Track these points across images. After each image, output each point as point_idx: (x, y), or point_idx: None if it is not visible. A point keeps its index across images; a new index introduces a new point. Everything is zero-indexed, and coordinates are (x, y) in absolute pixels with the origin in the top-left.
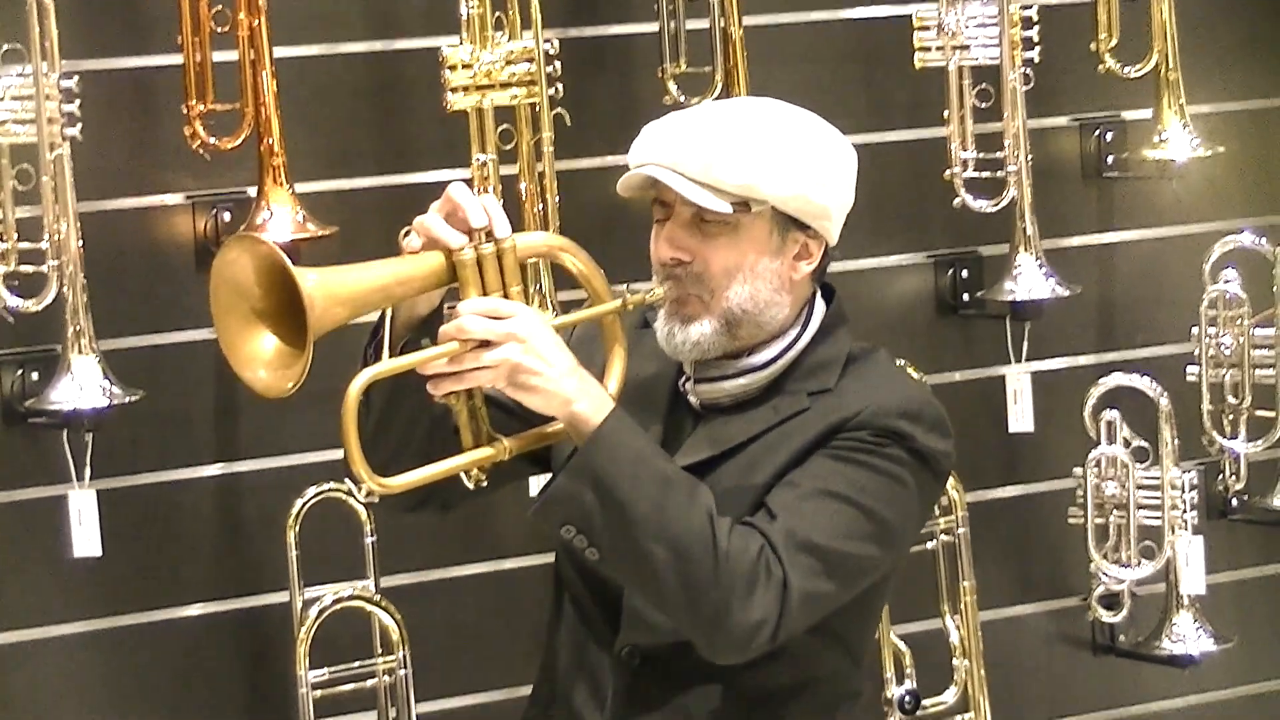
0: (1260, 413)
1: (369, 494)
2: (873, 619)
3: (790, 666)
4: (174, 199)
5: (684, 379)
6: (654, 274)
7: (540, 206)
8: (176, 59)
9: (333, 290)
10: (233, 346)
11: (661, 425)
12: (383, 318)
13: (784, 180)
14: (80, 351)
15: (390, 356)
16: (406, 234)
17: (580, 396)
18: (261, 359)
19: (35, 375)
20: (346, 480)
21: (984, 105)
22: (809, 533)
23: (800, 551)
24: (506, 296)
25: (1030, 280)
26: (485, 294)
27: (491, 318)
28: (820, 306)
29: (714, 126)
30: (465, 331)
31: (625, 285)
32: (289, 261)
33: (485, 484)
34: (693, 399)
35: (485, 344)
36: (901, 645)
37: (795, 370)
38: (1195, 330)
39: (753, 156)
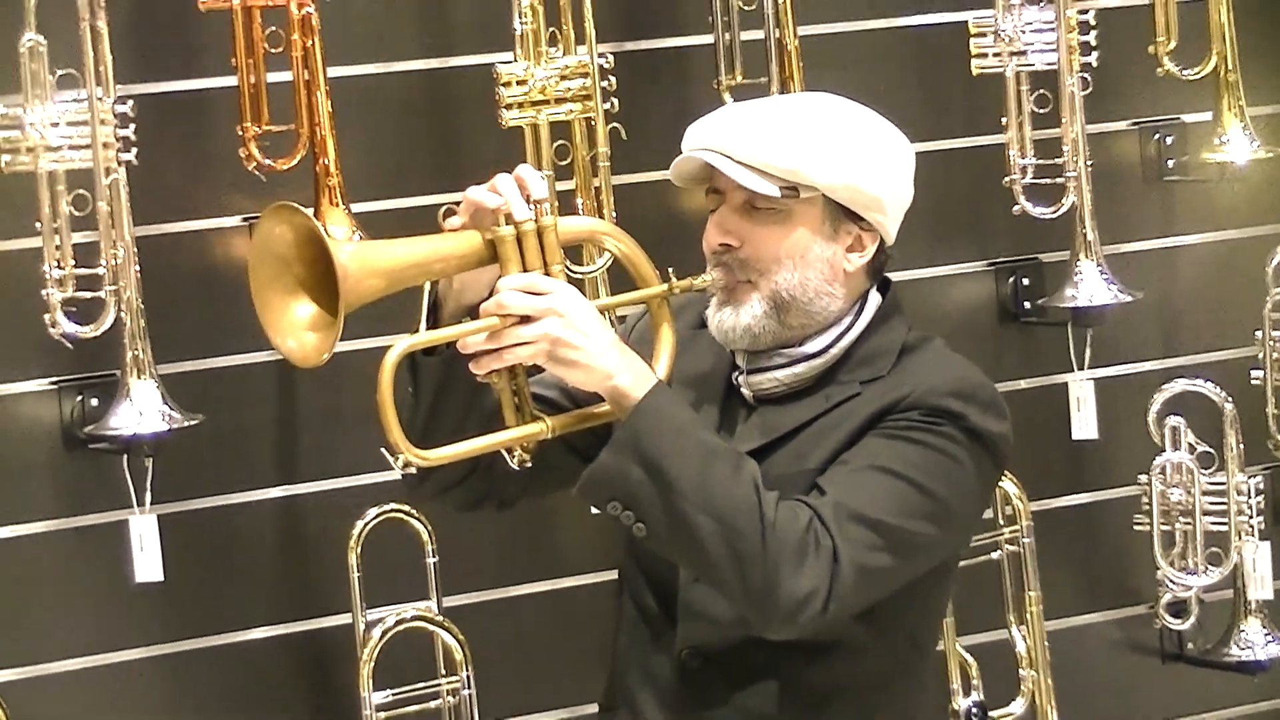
0: None
1: (405, 466)
2: (935, 609)
3: (853, 661)
4: (230, 221)
5: (737, 373)
6: (707, 263)
7: None
8: (230, 81)
9: (368, 262)
10: (269, 316)
11: (715, 417)
12: (424, 301)
13: (834, 167)
14: (139, 376)
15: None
16: (447, 214)
17: (622, 370)
18: (298, 327)
19: (95, 401)
20: (404, 496)
21: (1042, 110)
22: (859, 506)
23: (850, 523)
24: (547, 274)
25: (1092, 286)
26: (526, 271)
27: (531, 294)
28: (875, 298)
29: (766, 114)
30: (505, 307)
31: (671, 270)
32: (325, 231)
33: (529, 464)
34: (745, 391)
35: (526, 320)
36: (968, 657)
37: (848, 360)
38: (1259, 334)
39: (803, 142)
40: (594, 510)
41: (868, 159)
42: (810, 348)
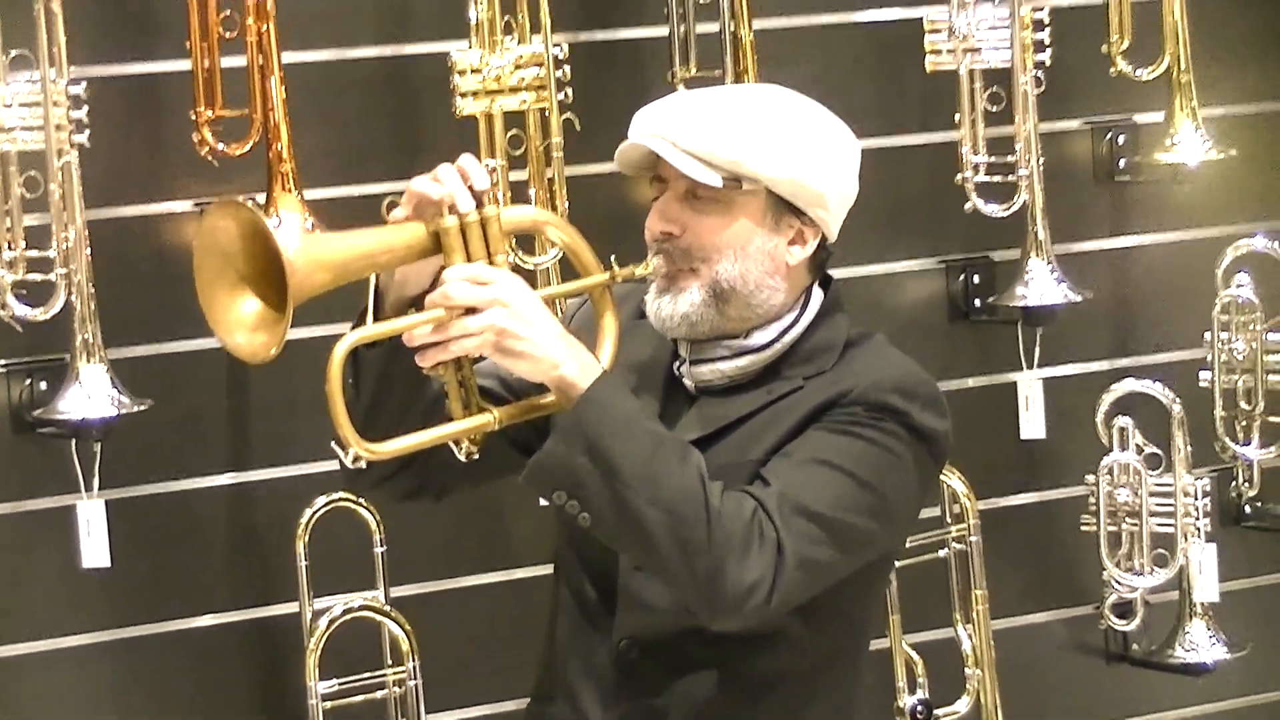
0: (1273, 418)
1: (355, 459)
2: (873, 600)
3: (789, 652)
4: (182, 206)
5: (679, 362)
6: (649, 250)
7: None
8: (185, 65)
9: (315, 255)
10: (216, 313)
11: (656, 407)
12: (369, 294)
13: (778, 161)
14: (89, 360)
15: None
16: (390, 206)
17: (568, 360)
18: (245, 323)
19: (44, 385)
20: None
21: (995, 109)
22: (803, 498)
23: (794, 515)
24: (492, 264)
25: (1042, 285)
26: (470, 262)
27: (476, 284)
28: (818, 294)
29: (712, 104)
30: (450, 299)
31: (613, 257)
32: (271, 227)
33: (476, 456)
34: (688, 381)
35: (471, 311)
36: (914, 654)
37: (792, 355)
38: (1208, 335)
39: (748, 134)
40: (542, 501)
41: (812, 154)
42: (755, 340)
